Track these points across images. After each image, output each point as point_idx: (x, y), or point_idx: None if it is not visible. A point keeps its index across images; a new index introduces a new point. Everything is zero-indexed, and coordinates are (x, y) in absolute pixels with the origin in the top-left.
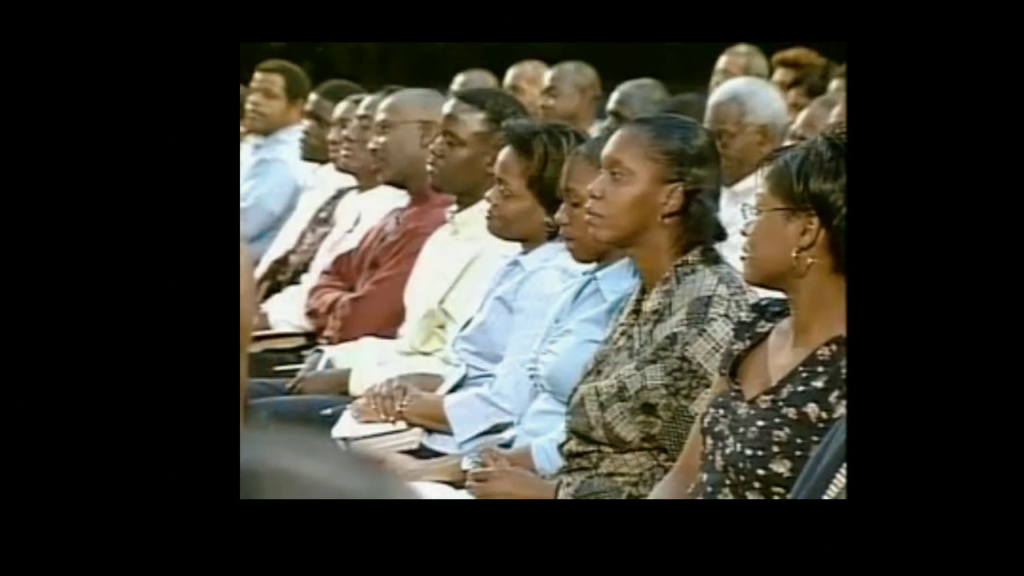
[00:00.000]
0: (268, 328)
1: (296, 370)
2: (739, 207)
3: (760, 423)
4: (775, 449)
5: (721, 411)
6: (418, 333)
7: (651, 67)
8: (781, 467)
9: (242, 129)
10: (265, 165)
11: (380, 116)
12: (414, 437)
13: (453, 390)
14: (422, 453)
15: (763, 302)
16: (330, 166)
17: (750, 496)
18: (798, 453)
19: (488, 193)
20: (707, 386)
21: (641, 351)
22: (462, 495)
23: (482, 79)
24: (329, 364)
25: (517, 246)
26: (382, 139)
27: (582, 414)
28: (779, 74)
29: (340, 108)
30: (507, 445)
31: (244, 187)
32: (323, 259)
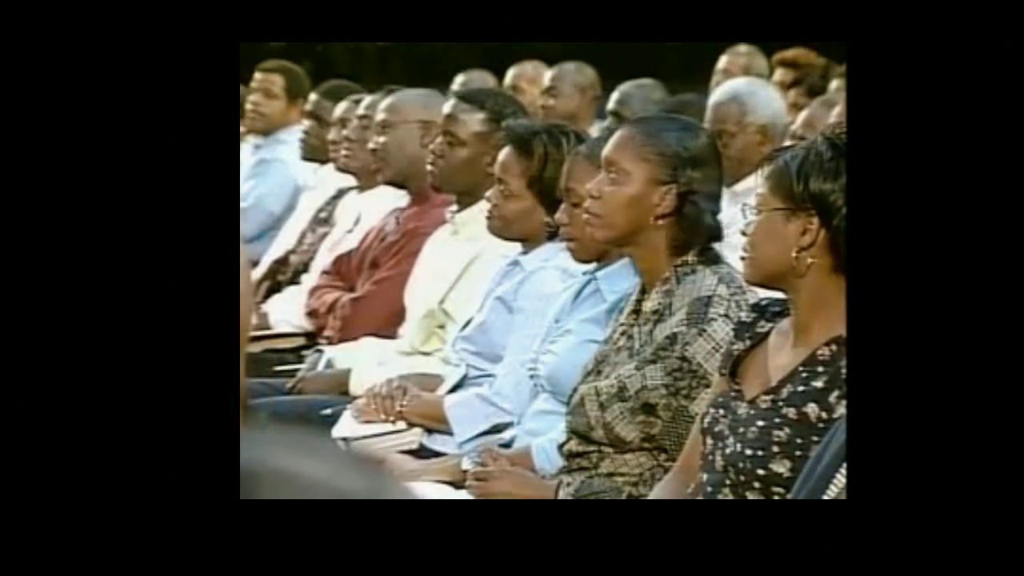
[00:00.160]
0: (268, 328)
1: (296, 370)
2: (739, 207)
3: (760, 423)
4: (775, 449)
5: (721, 411)
6: (418, 333)
7: (651, 67)
8: (781, 467)
9: (242, 129)
10: (265, 165)
11: (380, 116)
12: (414, 437)
13: (453, 390)
14: (422, 453)
15: (763, 302)
16: (330, 166)
17: (750, 496)
18: (798, 453)
19: (488, 193)
20: (707, 386)
21: (641, 351)
22: (462, 495)
23: (482, 79)
24: (329, 364)
25: (517, 246)
26: (382, 139)
27: (582, 414)
28: (779, 74)
29: (340, 108)
30: (507, 445)
31: (244, 187)
32: (323, 259)
